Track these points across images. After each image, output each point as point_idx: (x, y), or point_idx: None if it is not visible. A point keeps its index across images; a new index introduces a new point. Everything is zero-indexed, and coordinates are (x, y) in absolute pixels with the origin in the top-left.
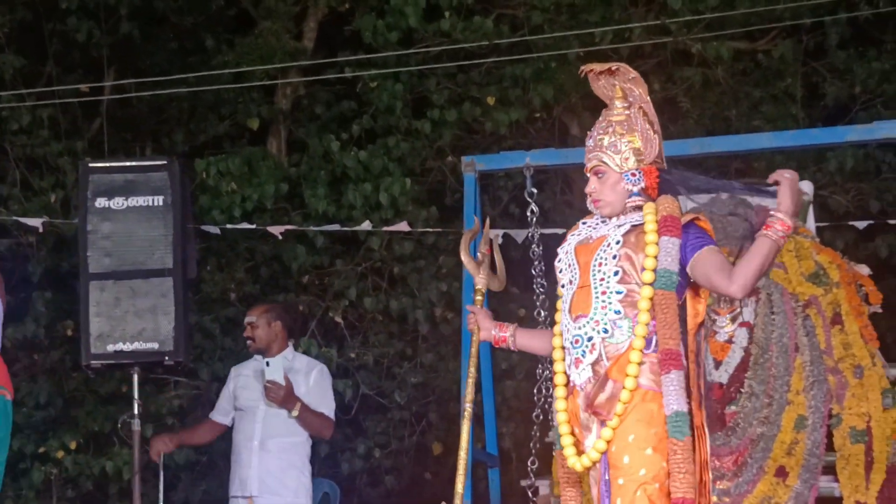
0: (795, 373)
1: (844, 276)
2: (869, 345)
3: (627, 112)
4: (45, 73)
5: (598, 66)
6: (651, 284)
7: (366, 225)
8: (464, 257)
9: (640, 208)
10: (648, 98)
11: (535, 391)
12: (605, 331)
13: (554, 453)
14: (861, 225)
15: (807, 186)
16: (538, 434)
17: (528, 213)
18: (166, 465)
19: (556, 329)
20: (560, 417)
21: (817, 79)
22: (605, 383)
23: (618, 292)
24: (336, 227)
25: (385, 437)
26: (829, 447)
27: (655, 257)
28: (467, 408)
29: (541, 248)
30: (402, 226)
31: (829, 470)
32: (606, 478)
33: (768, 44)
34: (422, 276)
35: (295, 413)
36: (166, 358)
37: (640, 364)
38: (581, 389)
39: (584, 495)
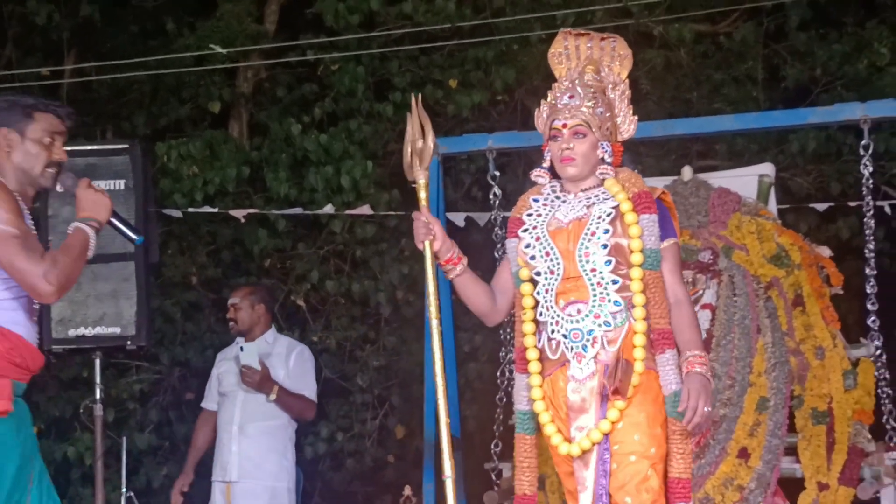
0: (757, 355)
1: (806, 258)
2: (830, 326)
3: (603, 86)
4: (5, 56)
5: (594, 34)
6: (640, 266)
7: (328, 208)
8: (406, 168)
9: (602, 181)
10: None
11: (498, 374)
12: (607, 324)
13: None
14: (822, 207)
15: (768, 168)
16: (501, 417)
17: (491, 196)
18: (128, 451)
19: (527, 315)
20: (539, 406)
21: (778, 61)
22: (623, 364)
23: (614, 282)
24: (298, 210)
25: (348, 420)
26: (791, 428)
27: (640, 237)
28: (434, 324)
29: (504, 230)
30: (365, 209)
31: (791, 451)
32: (606, 457)
33: (729, 26)
34: (384, 259)
35: (273, 397)
36: (128, 342)
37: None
38: (579, 381)
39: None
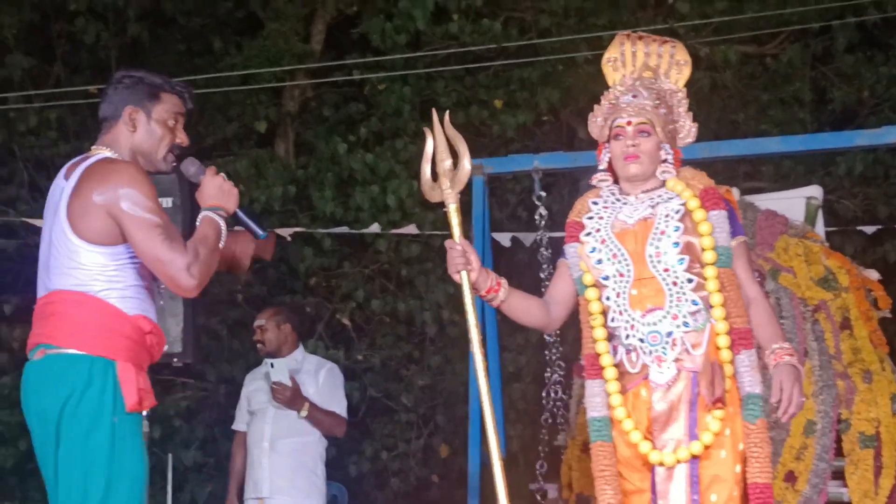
0: (804, 378)
1: (854, 280)
2: (878, 349)
3: (662, 93)
4: (53, 74)
5: (653, 37)
6: (714, 264)
7: (374, 227)
8: (425, 188)
9: (664, 183)
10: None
11: (543, 394)
12: (686, 324)
13: (562, 456)
14: (870, 230)
15: (816, 191)
16: (546, 437)
17: (537, 217)
18: (174, 467)
19: (596, 321)
20: (621, 412)
21: (825, 83)
22: (717, 370)
23: (689, 280)
24: (344, 229)
25: (392, 439)
26: (839, 452)
27: (711, 234)
28: (479, 358)
29: (549, 251)
30: (410, 228)
31: (839, 475)
32: (696, 472)
33: (776, 48)
34: (429, 278)
35: (304, 413)
36: (175, 360)
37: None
38: (658, 386)
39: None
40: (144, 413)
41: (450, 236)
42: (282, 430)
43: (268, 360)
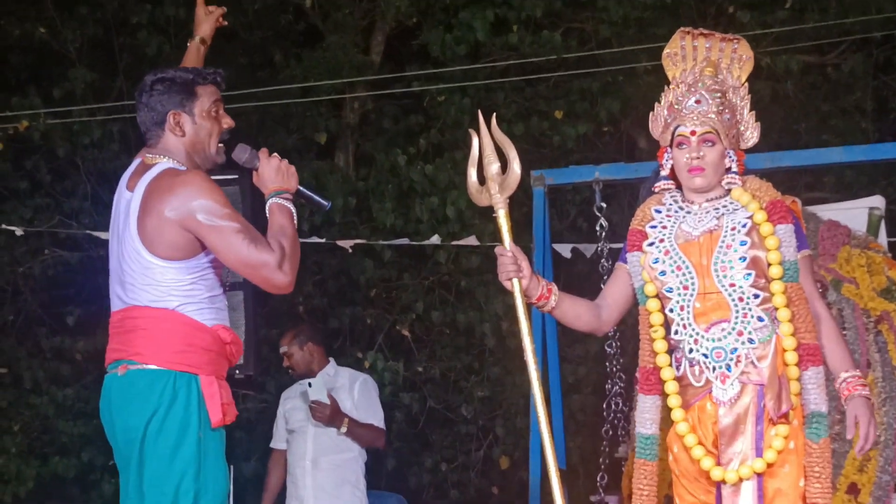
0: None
1: None
2: None
3: (724, 89)
4: (116, 87)
5: (717, 34)
6: (781, 279)
7: (434, 239)
8: (472, 192)
9: (729, 191)
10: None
11: (604, 406)
12: (751, 341)
13: (623, 468)
14: None
15: (878, 201)
16: (607, 449)
17: (598, 228)
18: (234, 478)
19: (657, 333)
20: (683, 427)
21: (887, 92)
22: (783, 382)
23: (755, 296)
24: (404, 241)
25: (452, 450)
26: None
27: (778, 249)
28: (532, 367)
29: (610, 262)
30: (470, 240)
31: None
32: (761, 487)
33: (838, 58)
34: (489, 289)
35: (343, 430)
36: (237, 372)
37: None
38: (724, 403)
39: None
40: None
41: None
42: (323, 447)
43: (302, 383)
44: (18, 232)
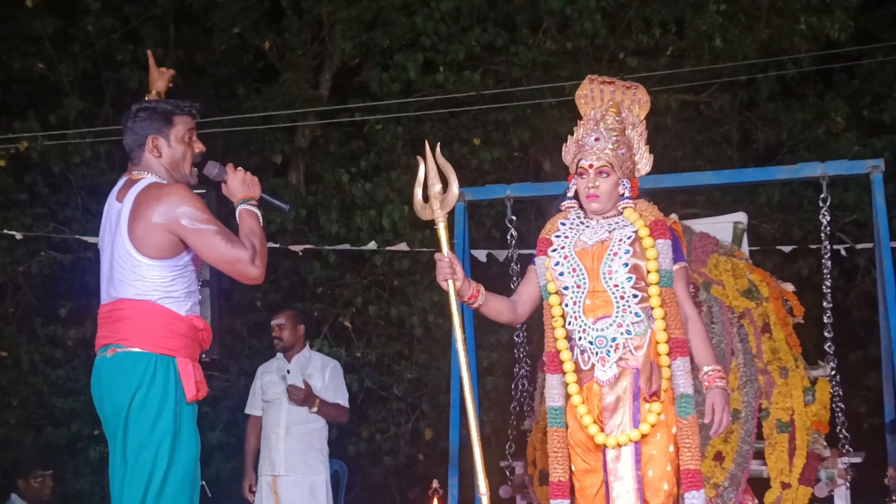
0: (731, 373)
1: (773, 292)
2: (793, 350)
3: (624, 126)
4: (103, 114)
5: (619, 81)
6: (657, 284)
7: (371, 245)
8: (417, 208)
9: (622, 211)
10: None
11: (512, 386)
12: (629, 332)
13: (528, 438)
14: (787, 249)
15: (741, 216)
16: (514, 423)
17: (508, 237)
18: (202, 446)
19: (556, 323)
20: (577, 399)
21: (750, 126)
22: (655, 369)
23: (634, 296)
24: (346, 246)
25: (385, 423)
26: (759, 436)
27: (656, 259)
28: (462, 357)
29: (518, 266)
30: (402, 246)
31: (759, 455)
32: (638, 451)
33: (709, 96)
34: (417, 288)
35: (314, 409)
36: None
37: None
38: (605, 383)
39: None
40: None
41: (436, 252)
42: (295, 418)
43: (280, 356)
44: (18, 236)
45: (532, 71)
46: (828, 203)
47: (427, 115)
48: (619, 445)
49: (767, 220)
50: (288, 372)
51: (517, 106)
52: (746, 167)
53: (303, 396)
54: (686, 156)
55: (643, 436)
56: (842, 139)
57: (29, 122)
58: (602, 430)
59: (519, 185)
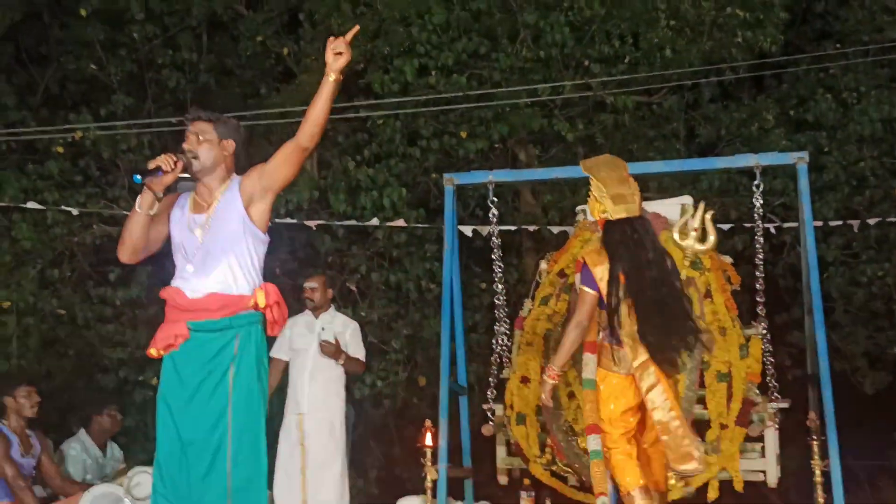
0: None
1: (713, 264)
2: (730, 313)
3: None
4: (146, 109)
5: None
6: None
7: (374, 221)
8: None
9: None
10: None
11: (493, 342)
12: None
13: (506, 385)
14: (725, 227)
15: (687, 199)
16: (496, 372)
17: (490, 215)
18: None
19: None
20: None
21: (694, 123)
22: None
23: None
24: (353, 222)
25: (385, 372)
26: (702, 385)
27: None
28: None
29: (499, 239)
30: (400, 222)
31: (702, 401)
32: None
33: (660, 98)
34: (412, 258)
35: (341, 362)
36: None
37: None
38: None
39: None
40: None
41: (426, 229)
42: (320, 365)
43: (308, 313)
44: (74, 212)
45: (510, 75)
46: (760, 189)
47: (421, 111)
48: None
49: (709, 202)
50: (322, 329)
51: (497, 105)
52: (691, 157)
53: (333, 350)
54: (640, 148)
55: None
56: (772, 135)
57: (82, 114)
58: None
59: (499, 171)
